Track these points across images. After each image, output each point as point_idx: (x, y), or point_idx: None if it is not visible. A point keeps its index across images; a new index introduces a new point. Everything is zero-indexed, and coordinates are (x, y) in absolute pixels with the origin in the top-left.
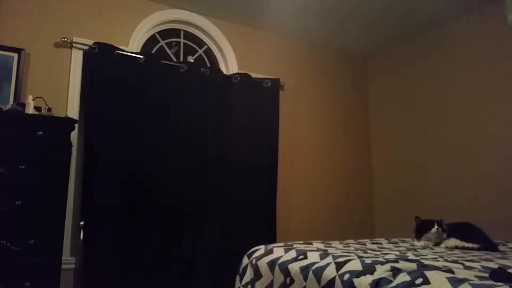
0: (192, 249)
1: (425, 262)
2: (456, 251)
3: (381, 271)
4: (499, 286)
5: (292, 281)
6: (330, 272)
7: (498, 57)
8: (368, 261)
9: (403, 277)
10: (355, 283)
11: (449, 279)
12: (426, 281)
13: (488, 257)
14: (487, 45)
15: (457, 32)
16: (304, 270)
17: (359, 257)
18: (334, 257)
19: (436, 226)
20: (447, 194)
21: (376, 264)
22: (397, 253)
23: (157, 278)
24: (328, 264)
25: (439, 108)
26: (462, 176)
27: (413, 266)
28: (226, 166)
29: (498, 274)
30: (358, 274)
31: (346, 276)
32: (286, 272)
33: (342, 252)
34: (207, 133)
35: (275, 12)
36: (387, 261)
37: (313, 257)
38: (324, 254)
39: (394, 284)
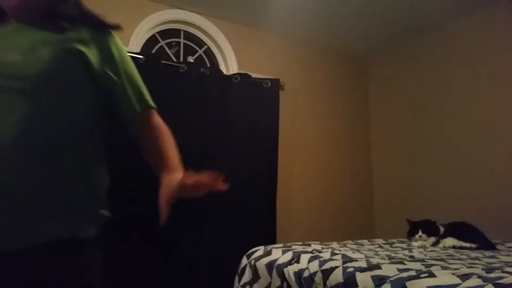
0: (192, 249)
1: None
2: (450, 250)
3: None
4: (506, 277)
5: (289, 286)
6: (318, 281)
7: (498, 57)
8: (350, 269)
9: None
10: None
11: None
12: None
13: (477, 255)
14: (487, 45)
15: (457, 32)
16: (298, 276)
17: (344, 262)
18: (321, 263)
19: (419, 233)
20: (447, 194)
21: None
22: (389, 253)
23: (157, 278)
24: (315, 273)
25: (439, 108)
26: (462, 176)
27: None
28: (226, 166)
29: None
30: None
31: None
32: (282, 276)
33: (332, 256)
34: (207, 133)
35: (275, 12)
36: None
37: (304, 262)
38: (313, 257)
39: None
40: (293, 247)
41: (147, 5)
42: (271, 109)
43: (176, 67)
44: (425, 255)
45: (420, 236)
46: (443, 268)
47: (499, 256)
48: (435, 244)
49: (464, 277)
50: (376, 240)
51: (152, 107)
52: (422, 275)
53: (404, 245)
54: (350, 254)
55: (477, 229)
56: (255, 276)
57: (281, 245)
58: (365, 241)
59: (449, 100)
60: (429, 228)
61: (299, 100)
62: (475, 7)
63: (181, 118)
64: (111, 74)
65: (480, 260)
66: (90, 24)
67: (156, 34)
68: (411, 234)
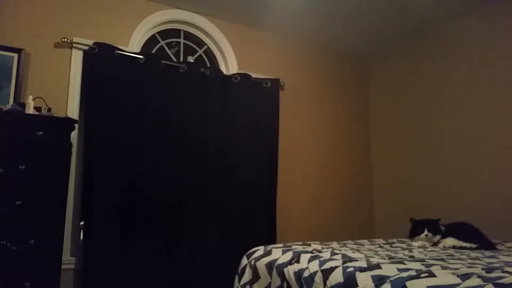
0: (192, 249)
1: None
2: (450, 250)
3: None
4: (506, 277)
5: (289, 286)
6: (318, 281)
7: (498, 57)
8: (350, 269)
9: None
10: None
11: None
12: None
13: (477, 255)
14: (487, 45)
15: (457, 32)
16: (298, 276)
17: (344, 262)
18: (321, 263)
19: (426, 232)
20: (447, 194)
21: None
22: (389, 253)
23: (157, 278)
24: (315, 273)
25: (439, 108)
26: (462, 176)
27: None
28: (226, 166)
29: None
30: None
31: None
32: (282, 275)
33: (332, 255)
34: (207, 133)
35: (275, 12)
36: (366, 270)
37: (304, 261)
38: (313, 257)
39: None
40: (293, 247)
41: (147, 5)
42: (271, 109)
43: (176, 67)
44: (425, 255)
45: (426, 235)
46: (443, 268)
47: (499, 256)
48: (435, 244)
49: (464, 277)
50: (376, 240)
51: None
52: (422, 275)
53: (404, 245)
54: (350, 254)
55: (477, 229)
56: (255, 276)
57: (281, 245)
58: (365, 241)
59: (449, 100)
60: (434, 227)
61: (299, 100)
62: (475, 7)
63: (181, 118)
64: None
65: (480, 260)
66: None
67: (156, 34)
68: (415, 233)
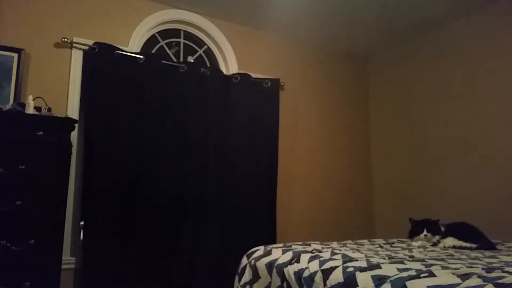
0: (192, 249)
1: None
2: (450, 250)
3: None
4: (506, 277)
5: (289, 286)
6: (318, 281)
7: (498, 57)
8: (350, 269)
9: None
10: None
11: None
12: None
13: (477, 255)
14: (487, 45)
15: (457, 32)
16: (298, 276)
17: (344, 262)
18: (321, 263)
19: (425, 232)
20: (447, 194)
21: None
22: (389, 253)
23: (157, 278)
24: (315, 273)
25: (439, 108)
26: (461, 176)
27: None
28: (226, 166)
29: None
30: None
31: None
32: (282, 275)
33: (332, 255)
34: (207, 133)
35: (275, 12)
36: (367, 269)
37: (304, 261)
38: (313, 257)
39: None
40: (293, 247)
41: (147, 5)
42: (271, 109)
43: (176, 67)
44: (425, 255)
45: (426, 235)
46: (443, 267)
47: (499, 256)
48: (435, 244)
49: (464, 276)
50: (376, 240)
51: None
52: (422, 275)
53: (404, 245)
54: (350, 253)
55: (477, 229)
56: (255, 276)
57: (281, 245)
58: (365, 241)
59: (449, 100)
60: (434, 227)
61: (299, 100)
62: (475, 7)
63: (181, 118)
64: None
65: (480, 260)
66: None
67: (156, 34)
68: (414, 234)
